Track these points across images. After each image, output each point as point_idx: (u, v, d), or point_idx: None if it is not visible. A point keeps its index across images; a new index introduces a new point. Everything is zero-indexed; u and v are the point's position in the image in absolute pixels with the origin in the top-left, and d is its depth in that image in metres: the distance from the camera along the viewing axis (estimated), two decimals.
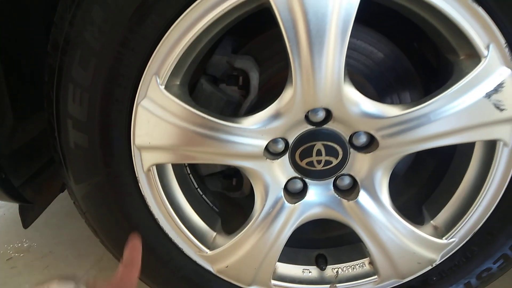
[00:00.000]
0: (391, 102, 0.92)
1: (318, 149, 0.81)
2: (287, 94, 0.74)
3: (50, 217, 1.52)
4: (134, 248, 0.69)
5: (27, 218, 1.10)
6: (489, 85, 0.71)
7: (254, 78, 0.83)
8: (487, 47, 0.70)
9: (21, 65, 0.95)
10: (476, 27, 0.68)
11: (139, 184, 0.82)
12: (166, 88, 0.74)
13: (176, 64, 0.72)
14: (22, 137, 0.99)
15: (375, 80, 0.87)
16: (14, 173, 0.95)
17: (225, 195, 1.01)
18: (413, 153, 0.85)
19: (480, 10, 0.67)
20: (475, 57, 0.72)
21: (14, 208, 1.65)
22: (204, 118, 0.75)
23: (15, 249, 1.43)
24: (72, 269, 1.32)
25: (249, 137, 0.77)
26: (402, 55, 0.87)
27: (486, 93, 0.72)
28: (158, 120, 0.75)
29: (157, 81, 0.73)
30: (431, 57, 0.94)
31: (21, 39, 0.93)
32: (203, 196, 0.98)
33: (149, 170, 0.80)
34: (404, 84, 0.90)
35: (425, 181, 0.99)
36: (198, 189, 0.98)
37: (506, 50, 0.70)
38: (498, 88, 0.72)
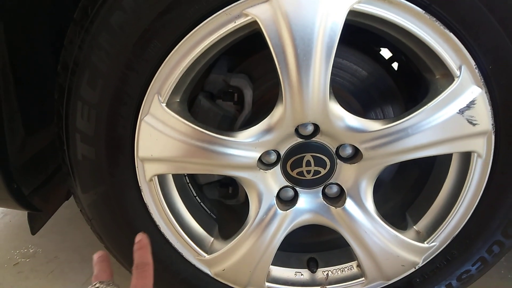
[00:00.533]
0: (376, 117, 0.99)
1: (307, 160, 0.87)
2: (278, 111, 0.80)
3: (55, 223, 1.58)
4: (142, 247, 0.72)
5: (35, 225, 1.16)
6: (462, 102, 0.78)
7: (248, 95, 0.90)
8: (459, 68, 0.77)
9: (31, 84, 1.02)
10: (448, 50, 0.75)
11: (142, 193, 0.89)
12: (167, 105, 0.80)
13: (176, 84, 0.79)
14: (31, 150, 1.06)
15: (360, 96, 0.94)
16: (24, 183, 1.02)
17: (222, 203, 1.07)
18: (396, 163, 0.92)
19: (452, 35, 0.74)
20: (449, 77, 0.79)
21: (20, 215, 1.72)
22: (202, 132, 0.81)
23: (22, 254, 1.49)
24: (77, 273, 1.38)
25: (243, 149, 0.83)
26: (384, 73, 0.94)
27: (460, 109, 0.79)
28: (160, 135, 0.82)
29: (159, 99, 0.79)
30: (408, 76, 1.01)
31: (31, 60, 0.99)
32: (201, 203, 1.05)
33: (151, 180, 0.87)
34: (387, 99, 0.97)
35: (409, 189, 1.06)
36: (197, 197, 1.04)
37: (476, 71, 0.77)
38: (470, 105, 0.78)
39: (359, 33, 0.85)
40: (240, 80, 0.90)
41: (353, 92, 0.93)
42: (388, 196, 1.06)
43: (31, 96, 1.01)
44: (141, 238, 0.76)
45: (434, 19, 0.73)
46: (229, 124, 0.94)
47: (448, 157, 0.90)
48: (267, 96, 0.94)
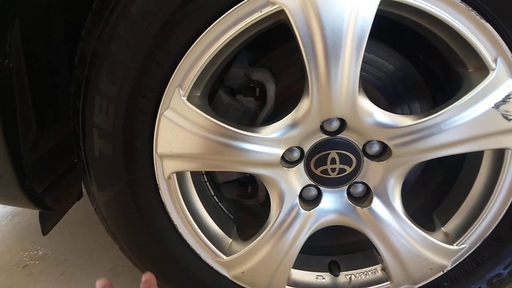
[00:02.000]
0: (402, 113, 0.95)
1: (332, 157, 0.84)
2: (303, 105, 0.77)
3: (64, 225, 1.55)
4: (148, 283, 0.71)
5: (46, 225, 1.13)
6: (497, 96, 0.75)
7: (271, 90, 0.87)
8: (495, 60, 0.73)
9: (45, 79, 0.99)
10: (484, 41, 0.72)
11: (160, 191, 0.85)
12: (188, 99, 0.77)
13: (198, 77, 0.76)
14: (44, 147, 1.03)
15: (386, 91, 0.91)
16: (36, 181, 0.99)
17: (239, 203, 1.03)
18: (423, 162, 0.88)
19: (488, 26, 0.71)
20: (483, 70, 0.75)
21: (29, 216, 1.69)
22: (225, 128, 0.78)
23: (31, 256, 1.46)
24: (87, 276, 1.35)
25: (266, 146, 0.80)
26: (412, 68, 0.91)
27: (495, 104, 0.75)
28: (180, 130, 0.78)
29: (180, 92, 0.76)
30: (437, 70, 0.98)
31: (45, 54, 0.97)
32: (219, 203, 1.01)
33: (169, 177, 0.84)
34: (414, 95, 0.93)
35: (435, 189, 1.02)
36: (214, 197, 1.01)
37: None
38: (506, 99, 0.75)
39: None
40: (263, 75, 0.87)
41: (379, 87, 0.90)
42: (413, 197, 1.02)
43: (45, 91, 0.98)
44: (148, 278, 0.75)
45: (470, 8, 0.70)
46: (250, 120, 0.91)
47: (479, 155, 0.86)
48: (289, 91, 0.91)
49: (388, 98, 0.91)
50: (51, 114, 1.03)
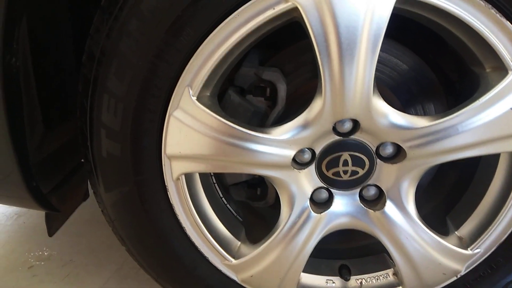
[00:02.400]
0: (416, 114, 0.93)
1: (344, 159, 0.82)
2: (316, 105, 0.75)
3: (70, 225, 1.52)
4: None
5: (52, 226, 1.12)
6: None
7: (282, 90, 0.85)
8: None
9: (51, 77, 0.98)
10: (504, 41, 0.70)
11: (168, 193, 0.83)
12: (198, 99, 0.75)
13: (208, 76, 0.74)
14: (50, 147, 1.02)
15: (400, 91, 0.89)
16: (43, 181, 0.97)
17: (248, 205, 1.02)
18: (436, 165, 0.86)
19: (509, 24, 0.69)
20: (502, 70, 0.73)
21: (34, 217, 1.68)
22: (235, 128, 0.76)
23: (36, 257, 1.44)
24: (93, 277, 1.33)
25: (277, 147, 0.78)
26: (426, 67, 0.89)
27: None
28: (190, 130, 0.77)
29: (189, 92, 0.75)
30: (451, 70, 0.96)
31: (52, 53, 0.96)
32: (227, 205, 1.00)
33: (178, 179, 0.82)
34: (429, 95, 0.91)
35: (448, 192, 1.00)
36: (223, 199, 0.99)
37: None
38: None
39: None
40: (274, 74, 0.85)
41: (393, 87, 0.88)
42: (426, 200, 0.99)
43: (52, 90, 0.97)
44: None
45: (490, 6, 0.68)
46: (260, 121, 0.89)
47: (495, 157, 0.84)
48: (301, 91, 0.89)
49: (402, 99, 0.89)
50: (58, 113, 1.02)
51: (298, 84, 0.89)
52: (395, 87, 0.88)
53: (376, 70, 0.84)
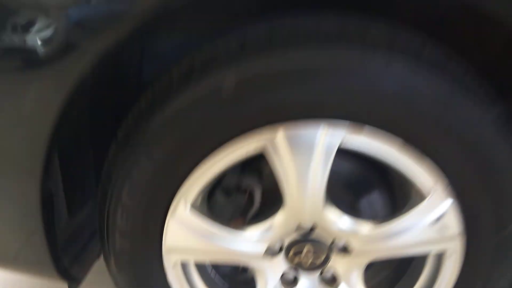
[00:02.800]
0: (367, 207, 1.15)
1: (307, 250, 1.04)
2: (279, 214, 0.98)
3: None
4: None
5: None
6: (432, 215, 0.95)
7: (258, 193, 1.08)
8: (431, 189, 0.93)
9: (73, 169, 1.20)
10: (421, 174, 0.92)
11: (167, 277, 1.06)
12: (191, 206, 0.98)
13: (199, 189, 0.97)
14: (73, 227, 1.24)
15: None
16: (66, 257, 1.19)
17: (234, 278, 1.23)
18: None
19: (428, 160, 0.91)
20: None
21: None
22: (219, 229, 0.99)
23: None
24: None
25: (251, 242, 1.01)
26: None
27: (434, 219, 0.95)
28: (184, 231, 0.99)
29: (184, 203, 0.97)
30: None
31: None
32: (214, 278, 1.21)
33: (174, 266, 1.04)
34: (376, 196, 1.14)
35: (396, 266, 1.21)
36: (212, 271, 1.21)
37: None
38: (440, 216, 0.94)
39: None
40: (251, 180, 1.08)
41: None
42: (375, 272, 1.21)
43: (74, 177, 1.19)
44: None
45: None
46: (242, 214, 1.11)
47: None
48: (274, 196, 1.11)
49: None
50: (80, 198, 1.24)
51: (272, 188, 1.11)
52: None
53: None
